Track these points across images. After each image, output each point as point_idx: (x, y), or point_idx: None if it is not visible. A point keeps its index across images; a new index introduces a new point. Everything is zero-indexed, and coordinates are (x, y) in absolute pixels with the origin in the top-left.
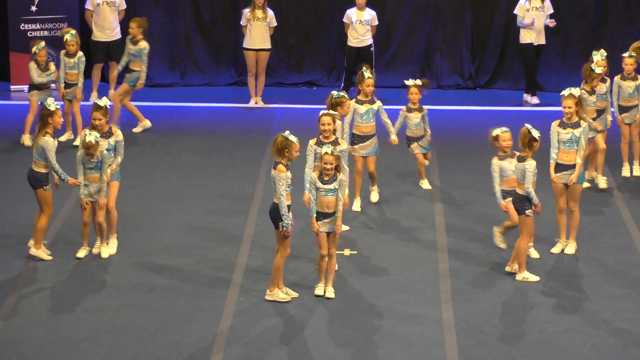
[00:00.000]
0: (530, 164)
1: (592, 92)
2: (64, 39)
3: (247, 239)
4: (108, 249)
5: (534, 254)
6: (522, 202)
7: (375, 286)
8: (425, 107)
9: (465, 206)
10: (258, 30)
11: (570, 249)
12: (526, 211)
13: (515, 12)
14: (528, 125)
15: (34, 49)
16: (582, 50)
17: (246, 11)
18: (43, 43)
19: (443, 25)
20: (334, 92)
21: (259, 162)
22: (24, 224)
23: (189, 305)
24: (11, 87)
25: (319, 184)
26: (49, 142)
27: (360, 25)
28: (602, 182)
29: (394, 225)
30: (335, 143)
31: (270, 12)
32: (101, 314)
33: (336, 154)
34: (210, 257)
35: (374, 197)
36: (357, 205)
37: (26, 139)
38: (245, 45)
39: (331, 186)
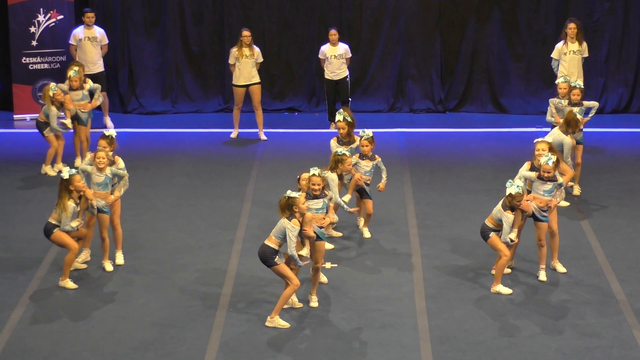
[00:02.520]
0: (508, 217)
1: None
2: (67, 76)
3: (235, 254)
4: (117, 260)
5: (560, 268)
6: (485, 231)
7: (355, 296)
8: (399, 129)
9: (437, 221)
10: (246, 67)
11: (561, 268)
12: (489, 234)
13: (552, 55)
14: (509, 182)
15: (50, 93)
16: (544, 74)
17: (233, 50)
18: (54, 85)
19: (414, 53)
20: (338, 150)
21: (245, 182)
22: (29, 243)
23: (182, 317)
24: (14, 116)
25: (308, 202)
26: (69, 208)
27: (335, 60)
28: (576, 190)
29: (371, 239)
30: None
31: (257, 49)
32: (102, 326)
33: (323, 176)
34: (202, 271)
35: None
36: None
37: (47, 169)
38: (234, 82)
39: (320, 203)
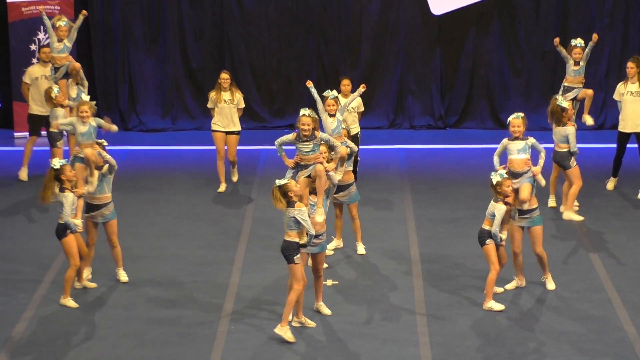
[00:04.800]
0: (500, 208)
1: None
2: (57, 25)
3: (236, 272)
4: (120, 278)
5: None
6: (482, 236)
7: (356, 312)
8: (399, 145)
9: (438, 237)
10: (225, 113)
11: (551, 284)
12: (486, 241)
13: (614, 96)
14: (492, 173)
15: (52, 95)
16: (544, 89)
17: (211, 93)
18: (56, 88)
19: (414, 68)
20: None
21: (246, 200)
22: (30, 261)
23: (182, 333)
24: (15, 134)
25: (298, 145)
26: (68, 197)
27: (347, 114)
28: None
29: (371, 256)
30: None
31: (238, 94)
32: (102, 343)
33: (313, 116)
34: (203, 288)
35: (360, 249)
36: (333, 245)
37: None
38: (212, 126)
39: (310, 145)
